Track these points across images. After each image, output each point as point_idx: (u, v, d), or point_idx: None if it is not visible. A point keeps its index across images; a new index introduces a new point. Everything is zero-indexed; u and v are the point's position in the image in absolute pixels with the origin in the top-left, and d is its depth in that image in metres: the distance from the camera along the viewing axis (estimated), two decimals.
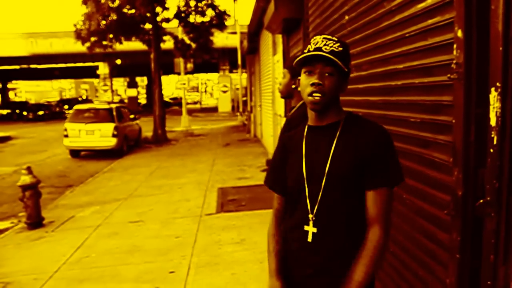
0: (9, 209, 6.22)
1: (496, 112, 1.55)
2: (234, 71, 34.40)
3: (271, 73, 10.40)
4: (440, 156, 2.00)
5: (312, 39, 1.65)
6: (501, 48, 1.51)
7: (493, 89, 1.57)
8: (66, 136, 13.67)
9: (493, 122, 1.57)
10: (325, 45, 1.58)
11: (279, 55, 8.42)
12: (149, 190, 8.52)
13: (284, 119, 8.49)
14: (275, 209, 1.82)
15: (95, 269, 4.73)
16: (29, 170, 6.50)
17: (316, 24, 4.56)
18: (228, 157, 11.99)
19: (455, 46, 1.78)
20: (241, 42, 22.57)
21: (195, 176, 9.56)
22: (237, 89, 30.92)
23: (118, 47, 19.06)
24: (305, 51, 1.62)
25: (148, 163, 12.09)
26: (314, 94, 1.57)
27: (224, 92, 35.16)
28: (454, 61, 1.78)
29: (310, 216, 1.62)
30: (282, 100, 8.50)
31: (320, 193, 1.60)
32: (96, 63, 40.42)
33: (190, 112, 30.42)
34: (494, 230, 1.60)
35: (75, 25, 17.62)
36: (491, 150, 1.59)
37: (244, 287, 3.95)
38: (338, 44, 1.60)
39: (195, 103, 53.33)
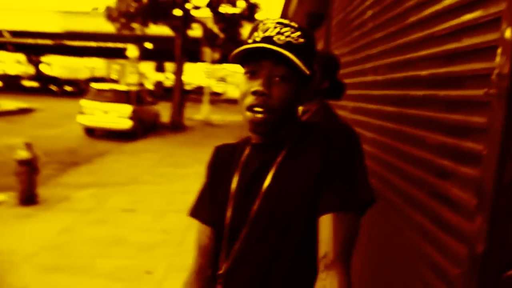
0: (13, 181, 5.95)
1: None
2: None
3: None
4: (460, 194, 1.53)
5: (261, 24, 1.14)
6: None
7: None
8: (82, 113, 13.48)
9: None
10: (278, 33, 1.09)
11: None
12: (151, 177, 8.20)
13: None
14: (201, 247, 1.32)
15: (71, 258, 4.41)
16: (28, 146, 6.22)
17: (339, 19, 4.09)
18: None
19: (499, 50, 1.30)
20: None
21: (202, 168, 9.14)
22: None
23: (148, 31, 18.86)
24: (249, 40, 1.13)
25: (159, 149, 11.80)
26: (255, 109, 1.10)
27: None
28: (496, 71, 1.30)
29: (241, 258, 1.17)
30: None
31: (256, 229, 1.15)
32: (125, 45, 40.48)
33: (213, 102, 30.11)
34: None
35: (107, 7, 17.52)
36: None
37: None
38: (298, 33, 1.11)
39: (219, 94, 53.11)
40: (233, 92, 54.67)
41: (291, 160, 1.16)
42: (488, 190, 1.32)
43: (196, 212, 1.35)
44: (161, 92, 39.04)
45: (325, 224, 1.08)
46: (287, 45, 1.07)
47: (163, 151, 11.46)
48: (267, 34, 1.09)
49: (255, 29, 1.14)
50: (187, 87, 27.06)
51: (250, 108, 1.10)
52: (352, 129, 1.28)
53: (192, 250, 1.28)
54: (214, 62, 24.17)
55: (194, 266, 1.35)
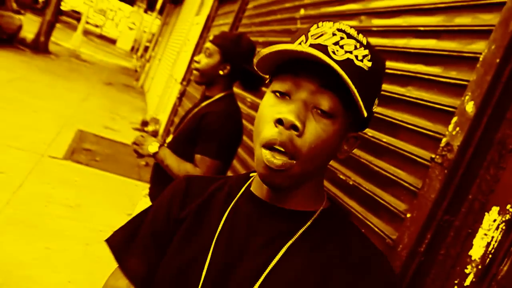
0: None
1: (489, 243, 1.04)
2: (149, 12, 32.13)
3: (185, 33, 9.45)
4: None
5: (314, 26, 0.79)
6: None
7: (496, 209, 1.05)
8: None
9: (476, 253, 1.06)
10: (337, 43, 0.74)
11: (202, 18, 7.57)
12: None
13: (178, 86, 7.66)
14: None
15: None
16: None
17: (260, 4, 3.89)
18: (104, 98, 10.70)
19: (454, 119, 1.24)
20: None
21: (60, 104, 8.24)
22: (145, 32, 28.87)
23: None
24: (293, 42, 0.78)
25: (13, 67, 10.30)
26: (276, 150, 0.72)
27: (131, 29, 32.64)
28: (446, 139, 1.24)
29: None
30: (184, 64, 7.64)
31: None
32: None
33: (87, 33, 27.57)
34: None
35: None
36: None
37: (55, 269, 3.13)
38: (365, 52, 0.76)
39: (96, 26, 49.02)
40: (110, 29, 51.01)
41: (305, 255, 0.78)
42: (401, 254, 1.27)
43: (125, 259, 0.91)
44: (30, 2, 34.49)
45: None
46: (346, 64, 0.72)
47: (17, 71, 10.02)
48: (320, 41, 0.75)
49: (304, 31, 0.79)
50: (63, 8, 24.28)
51: (269, 146, 0.74)
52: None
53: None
54: None
55: None
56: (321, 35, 0.76)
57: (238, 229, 0.82)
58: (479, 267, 1.04)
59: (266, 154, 0.73)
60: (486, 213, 1.08)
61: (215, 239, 0.82)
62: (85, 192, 4.63)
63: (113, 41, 35.74)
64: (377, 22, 1.90)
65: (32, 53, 13.77)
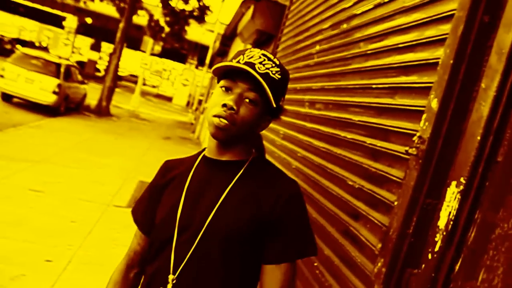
0: None
1: (450, 212, 1.23)
2: (200, 68, 33.78)
3: None
4: (368, 237, 1.67)
5: (248, 50, 1.26)
6: (478, 138, 1.20)
7: (454, 183, 1.25)
8: (2, 76, 12.53)
9: (442, 223, 1.25)
10: (261, 63, 1.20)
11: None
12: (67, 161, 7.81)
13: None
14: (131, 250, 1.39)
15: None
16: None
17: (287, 45, 4.24)
18: (163, 151, 11.39)
19: (424, 116, 1.46)
20: (215, 42, 22.13)
21: (122, 160, 8.93)
22: (197, 86, 30.31)
23: (91, 5, 18.14)
24: (233, 60, 1.23)
25: (80, 131, 11.29)
26: (221, 119, 1.18)
27: (184, 85, 34.40)
28: (418, 134, 1.46)
29: (170, 277, 1.19)
30: None
31: (191, 249, 1.18)
32: (64, 14, 38.43)
33: (144, 94, 29.39)
34: None
35: None
36: (429, 256, 1.26)
37: None
38: (278, 69, 1.23)
39: (154, 87, 51.95)
40: (166, 88, 53.74)
41: (243, 188, 1.23)
42: (392, 237, 1.46)
43: (136, 213, 1.40)
44: (92, 72, 37.44)
45: (271, 273, 1.18)
46: (265, 76, 1.18)
47: (84, 134, 10.98)
48: (251, 60, 1.20)
49: (241, 53, 1.24)
50: (121, 73, 26.18)
51: (217, 115, 1.18)
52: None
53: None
54: (153, 54, 23.70)
55: (121, 265, 1.41)
56: (252, 57, 1.22)
57: (199, 179, 1.29)
58: (444, 233, 1.23)
59: (216, 119, 1.18)
60: (447, 188, 1.27)
61: (185, 189, 1.28)
62: None
63: (169, 99, 37.71)
64: (372, 46, 2.15)
65: (96, 117, 14.97)
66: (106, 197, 6.14)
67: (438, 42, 1.58)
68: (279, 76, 1.23)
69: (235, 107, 1.17)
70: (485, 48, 1.39)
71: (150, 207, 1.35)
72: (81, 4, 17.63)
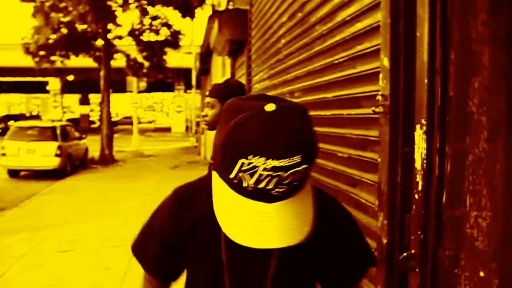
0: None
1: (421, 153, 1.35)
2: (189, 91, 34.07)
3: None
4: (367, 197, 1.79)
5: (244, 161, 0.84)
6: (426, 81, 1.33)
7: (418, 126, 1.37)
8: (4, 154, 12.80)
9: (418, 164, 1.37)
10: (276, 184, 0.84)
11: (227, 77, 8.24)
12: (86, 215, 8.00)
13: None
14: None
15: None
16: None
17: (257, 47, 4.38)
18: (175, 180, 11.43)
19: (381, 75, 1.59)
20: (195, 62, 22.37)
21: (138, 200, 9.09)
22: (191, 109, 30.58)
23: (69, 63, 18.47)
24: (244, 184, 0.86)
25: (91, 185, 11.48)
26: None
27: (179, 112, 34.68)
28: (380, 93, 1.58)
29: None
30: None
31: None
32: (46, 78, 38.97)
33: (142, 131, 29.72)
34: (418, 287, 1.39)
35: (23, 39, 16.97)
36: (416, 197, 1.38)
37: None
38: (298, 161, 0.84)
39: (150, 122, 52.37)
40: (163, 119, 54.07)
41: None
42: (384, 191, 1.59)
43: (142, 255, 1.20)
44: (87, 126, 37.87)
45: None
46: (289, 192, 0.88)
47: (96, 187, 11.19)
48: (263, 185, 0.85)
49: (242, 171, 0.86)
50: (114, 118, 26.50)
51: None
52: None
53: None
54: (140, 91, 23.97)
55: None
56: (261, 180, 0.86)
57: None
58: (422, 173, 1.35)
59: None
60: (414, 132, 1.39)
61: (222, 239, 1.01)
62: None
63: (168, 129, 38.02)
64: (326, 26, 2.28)
65: (103, 167, 15.20)
66: (131, 238, 6.25)
67: (375, 7, 1.71)
68: (305, 166, 0.86)
69: None
70: (414, 2, 1.52)
71: (170, 255, 1.14)
72: (58, 64, 17.92)
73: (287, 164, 0.82)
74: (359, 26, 1.87)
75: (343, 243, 1.10)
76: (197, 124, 24.80)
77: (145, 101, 36.39)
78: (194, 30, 34.93)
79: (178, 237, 1.10)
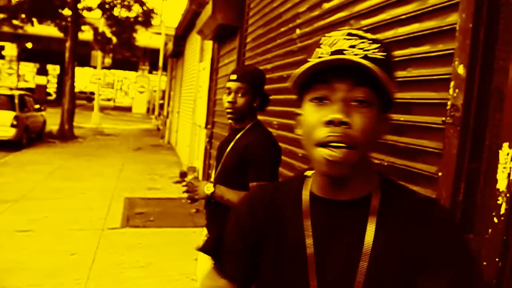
0: None
1: (509, 174, 1.24)
2: (154, 72, 33.27)
3: (195, 80, 9.89)
4: None
5: (323, 38, 0.88)
6: None
7: (506, 144, 1.26)
8: None
9: (502, 185, 1.26)
10: (351, 46, 0.84)
11: (206, 63, 7.96)
12: (46, 193, 7.55)
13: (204, 131, 7.99)
14: None
15: None
16: None
17: (257, 35, 4.19)
18: (138, 163, 11.18)
19: (452, 83, 1.46)
20: (165, 44, 21.77)
21: (101, 181, 8.70)
22: (155, 91, 29.85)
23: (30, 29, 17.46)
24: (312, 57, 0.87)
25: (50, 160, 10.91)
26: (333, 146, 0.82)
27: (141, 92, 33.82)
28: (450, 102, 1.46)
29: None
30: (204, 110, 7.99)
31: None
32: (2, 43, 36.92)
33: (102, 109, 28.73)
34: None
35: None
36: (495, 220, 1.27)
37: None
38: (376, 45, 0.85)
39: (108, 100, 50.87)
40: (122, 98, 52.70)
41: (384, 230, 0.88)
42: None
43: (229, 270, 1.04)
44: (43, 97, 36.26)
45: None
46: (369, 59, 0.83)
47: (54, 163, 10.62)
48: (337, 47, 0.84)
49: (316, 45, 0.88)
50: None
51: (326, 144, 0.82)
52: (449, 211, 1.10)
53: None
54: (104, 67, 23.14)
55: None
56: (335, 43, 0.85)
57: (321, 229, 0.92)
58: (508, 195, 1.24)
59: (324, 151, 0.83)
60: (499, 151, 1.28)
61: (310, 241, 0.92)
62: (151, 251, 4.93)
63: (128, 109, 37.04)
64: (365, 21, 2.14)
65: (61, 142, 14.53)
66: (98, 221, 5.97)
67: (446, 8, 1.58)
68: (384, 54, 0.85)
69: (347, 119, 0.82)
70: (499, 6, 1.40)
71: (249, 257, 1.02)
72: (20, 31, 16.95)
73: None
74: (417, 26, 1.73)
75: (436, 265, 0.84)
76: (161, 107, 24.23)
77: (105, 78, 35.28)
78: (164, 10, 34.03)
79: (260, 234, 1.01)
